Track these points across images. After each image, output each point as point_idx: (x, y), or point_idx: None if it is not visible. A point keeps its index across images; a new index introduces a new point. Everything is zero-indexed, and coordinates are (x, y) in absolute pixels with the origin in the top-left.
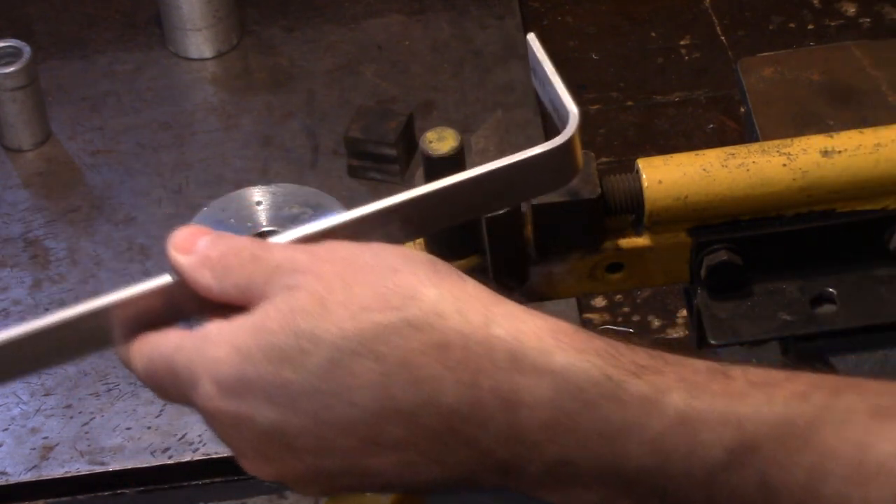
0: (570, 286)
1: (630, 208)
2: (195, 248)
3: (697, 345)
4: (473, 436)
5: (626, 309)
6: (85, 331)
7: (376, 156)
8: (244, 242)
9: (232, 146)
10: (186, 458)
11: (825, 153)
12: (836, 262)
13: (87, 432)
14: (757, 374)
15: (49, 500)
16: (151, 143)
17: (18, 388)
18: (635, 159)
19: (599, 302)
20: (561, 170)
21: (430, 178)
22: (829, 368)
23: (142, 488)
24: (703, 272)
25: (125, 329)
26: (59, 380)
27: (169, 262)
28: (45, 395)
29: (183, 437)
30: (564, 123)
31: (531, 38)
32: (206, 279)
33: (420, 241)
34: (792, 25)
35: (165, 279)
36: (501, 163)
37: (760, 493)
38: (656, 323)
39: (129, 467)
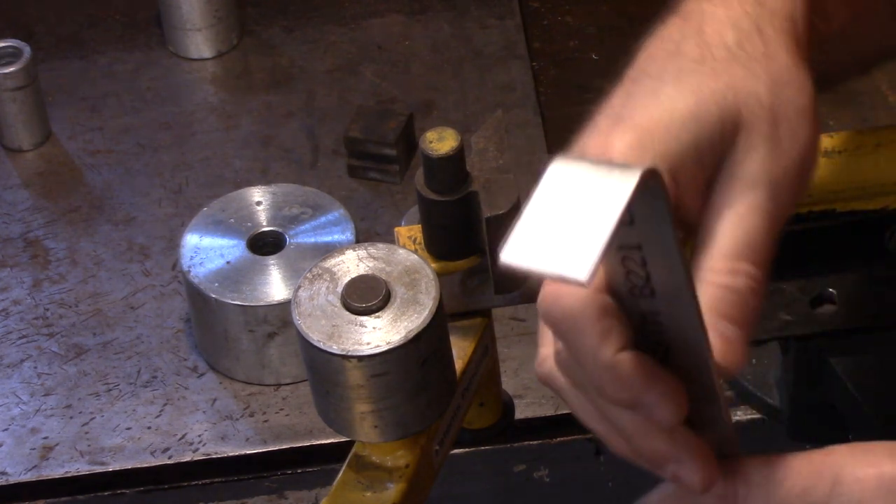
0: None
1: None
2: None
3: None
4: None
5: None
6: None
7: (376, 156)
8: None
9: (232, 146)
10: (186, 458)
11: (825, 153)
12: (835, 262)
13: (87, 432)
14: None
15: (49, 500)
16: (151, 143)
17: (18, 388)
18: None
19: None
20: None
21: (430, 178)
22: (829, 369)
23: (142, 488)
24: None
25: None
26: (59, 380)
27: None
28: (45, 395)
29: (183, 437)
30: None
31: None
32: None
33: (420, 241)
34: None
35: None
36: None
37: None
38: None
39: (129, 467)
